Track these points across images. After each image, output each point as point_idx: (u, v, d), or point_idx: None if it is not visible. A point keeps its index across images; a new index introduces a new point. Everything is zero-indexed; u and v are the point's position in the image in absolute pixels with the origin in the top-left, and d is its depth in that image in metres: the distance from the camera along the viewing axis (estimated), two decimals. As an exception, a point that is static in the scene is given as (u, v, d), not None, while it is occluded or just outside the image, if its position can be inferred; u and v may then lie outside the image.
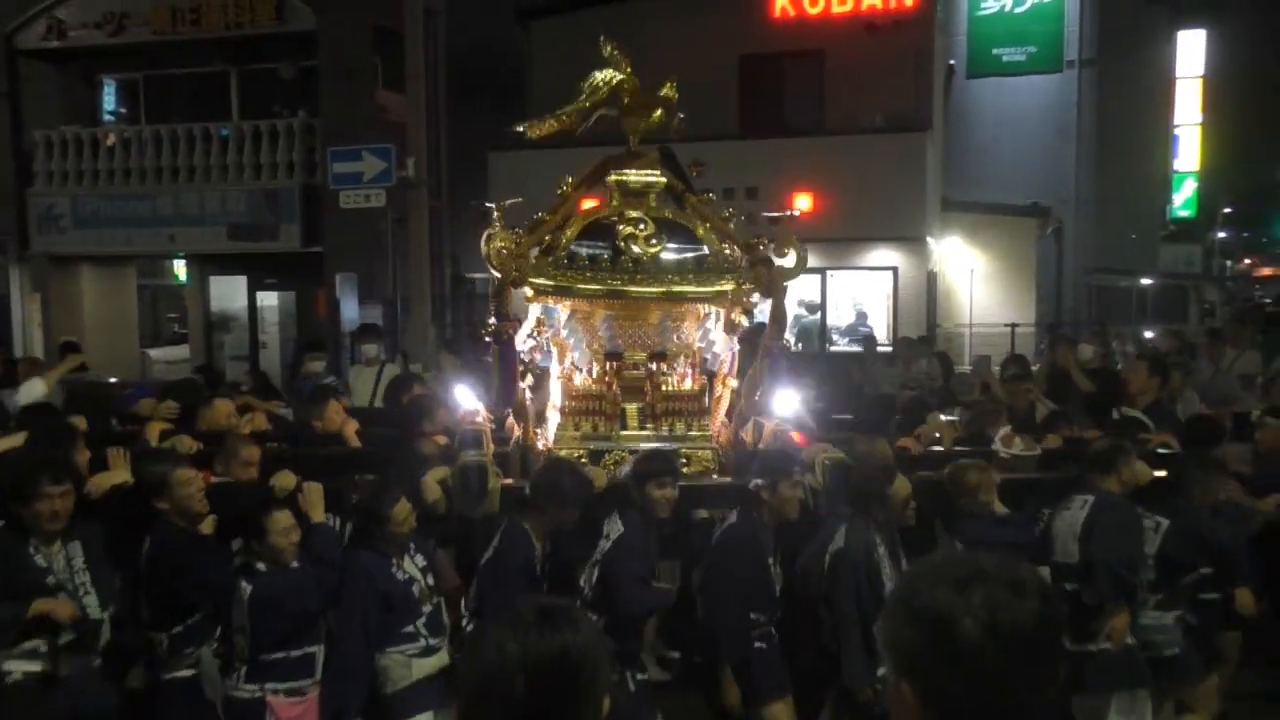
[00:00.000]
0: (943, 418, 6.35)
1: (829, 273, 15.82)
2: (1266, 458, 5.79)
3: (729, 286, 5.09)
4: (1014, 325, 16.13)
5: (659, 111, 5.35)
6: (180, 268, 17.80)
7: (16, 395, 7.76)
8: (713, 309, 5.31)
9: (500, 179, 14.55)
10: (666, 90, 5.37)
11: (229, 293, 17.43)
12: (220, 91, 16.62)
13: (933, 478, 5.02)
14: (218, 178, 15.36)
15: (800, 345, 15.78)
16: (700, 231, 5.22)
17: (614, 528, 4.51)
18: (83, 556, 4.14)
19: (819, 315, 15.89)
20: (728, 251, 5.23)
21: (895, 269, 15.53)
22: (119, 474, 4.67)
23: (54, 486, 4.01)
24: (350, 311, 14.17)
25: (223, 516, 4.47)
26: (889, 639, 1.43)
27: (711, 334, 5.44)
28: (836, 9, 15.86)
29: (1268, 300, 33.69)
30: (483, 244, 5.10)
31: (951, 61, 19.74)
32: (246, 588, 4.14)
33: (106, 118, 17.60)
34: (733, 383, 5.47)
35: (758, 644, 4.61)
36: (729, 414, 5.48)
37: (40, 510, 4.00)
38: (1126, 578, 4.60)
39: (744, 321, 5.30)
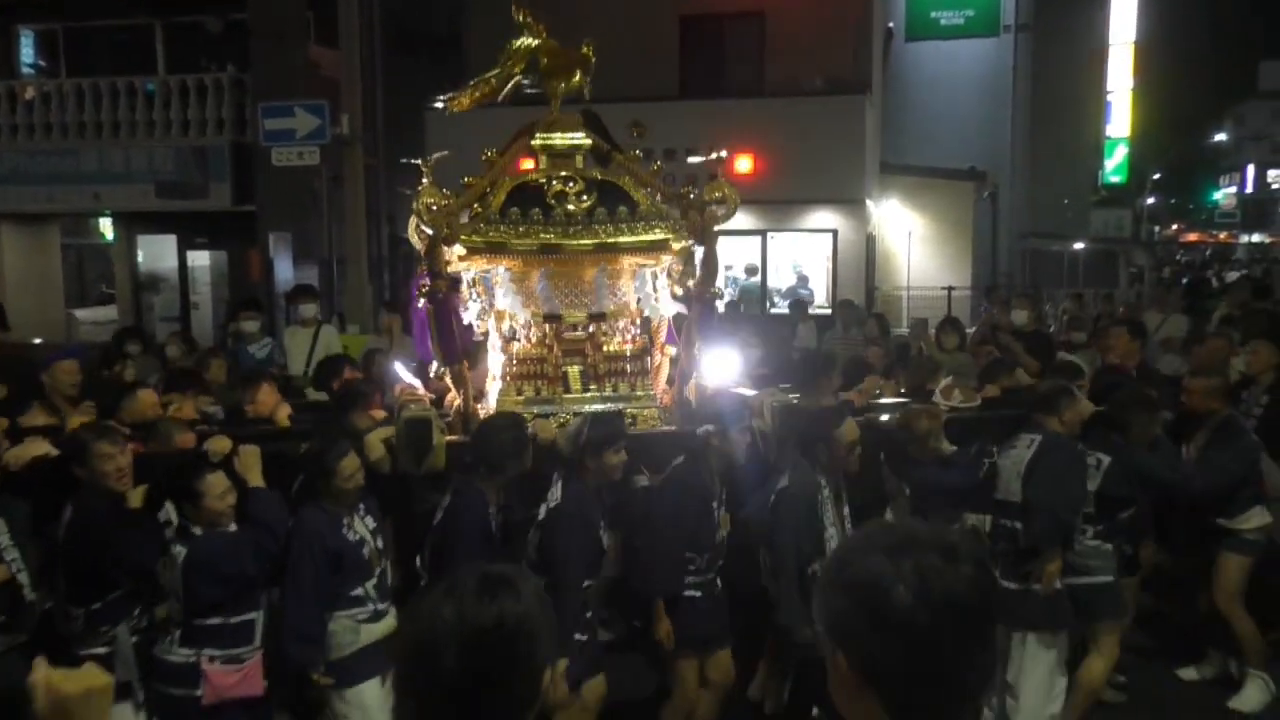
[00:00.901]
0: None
1: (769, 235, 15.89)
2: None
3: (663, 235, 5.07)
4: (950, 288, 16.38)
5: (578, 73, 5.32)
6: (107, 226, 17.27)
7: None
8: (648, 264, 5.29)
9: (437, 137, 14.30)
10: (584, 50, 5.34)
11: (158, 252, 16.95)
12: (145, 45, 16.06)
13: (880, 423, 5.10)
14: (144, 134, 14.89)
15: (742, 308, 15.85)
16: (631, 189, 5.20)
17: (554, 494, 4.49)
18: (8, 533, 3.99)
19: (759, 277, 15.95)
20: (659, 201, 5.22)
21: (835, 231, 15.64)
22: (39, 446, 4.44)
23: None
24: (284, 272, 13.91)
25: (154, 484, 4.30)
26: (823, 608, 1.40)
27: (649, 291, 5.41)
28: (777, -30, 15.80)
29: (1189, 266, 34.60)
30: (414, 202, 5.02)
31: (890, 24, 19.82)
32: (180, 551, 4.00)
33: (25, 70, 16.95)
34: (671, 350, 5.47)
35: (691, 591, 4.64)
36: (669, 380, 5.48)
37: None
38: (1067, 521, 4.74)
39: (688, 272, 5.29)
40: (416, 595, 4.36)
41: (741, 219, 15.61)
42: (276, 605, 4.37)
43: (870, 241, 16.41)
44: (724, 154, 5.42)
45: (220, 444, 4.44)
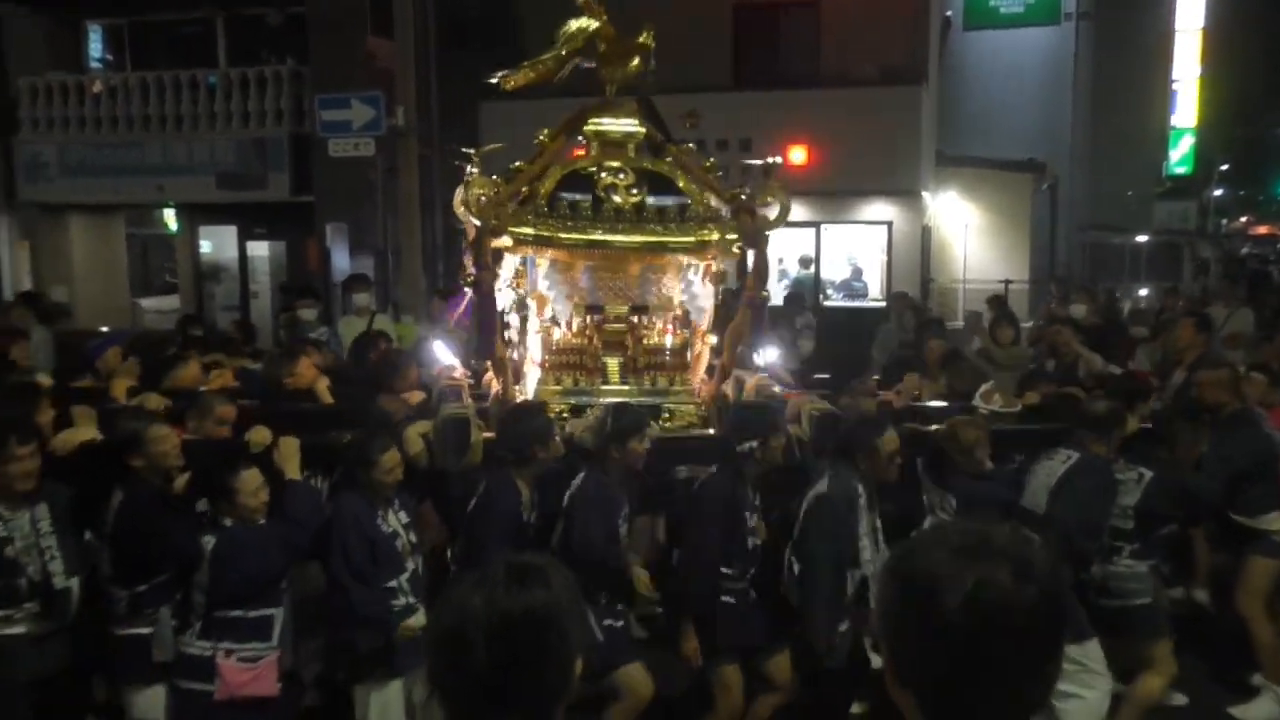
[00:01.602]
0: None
1: (823, 226, 15.75)
2: None
3: (712, 236, 5.03)
4: (1008, 281, 16.10)
5: (636, 59, 5.27)
6: (170, 217, 17.62)
7: None
8: (694, 261, 5.27)
9: (492, 127, 14.37)
10: (643, 38, 5.28)
11: (220, 242, 17.30)
12: (207, 38, 16.37)
13: (921, 431, 5.03)
14: (205, 126, 15.16)
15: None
16: (682, 182, 5.16)
17: (575, 483, 4.50)
18: (49, 520, 4.04)
19: (813, 269, 15.83)
20: (711, 201, 5.17)
21: (890, 223, 15.46)
22: (86, 431, 4.55)
23: (22, 447, 3.90)
24: (341, 261, 14.09)
25: (195, 473, 4.37)
26: (877, 594, 1.37)
27: (694, 286, 5.40)
28: (833, -41, 15.63)
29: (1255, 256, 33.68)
30: (461, 191, 5.03)
31: (948, 13, 19.52)
32: (209, 541, 4.04)
33: (93, 65, 17.35)
34: (711, 338, 5.44)
35: (725, 598, 4.58)
36: (709, 370, 5.45)
37: (10, 472, 3.88)
38: (1080, 546, 4.59)
39: (725, 271, 5.26)
40: (446, 586, 4.42)
41: (795, 210, 15.30)
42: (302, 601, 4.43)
43: (926, 234, 16.20)
44: (779, 160, 5.35)
45: (260, 435, 4.51)
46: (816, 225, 15.69)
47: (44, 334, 9.34)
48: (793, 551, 4.63)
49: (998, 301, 11.60)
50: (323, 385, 5.88)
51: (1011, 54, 20.45)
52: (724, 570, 4.57)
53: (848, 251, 16.26)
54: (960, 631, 1.26)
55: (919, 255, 15.76)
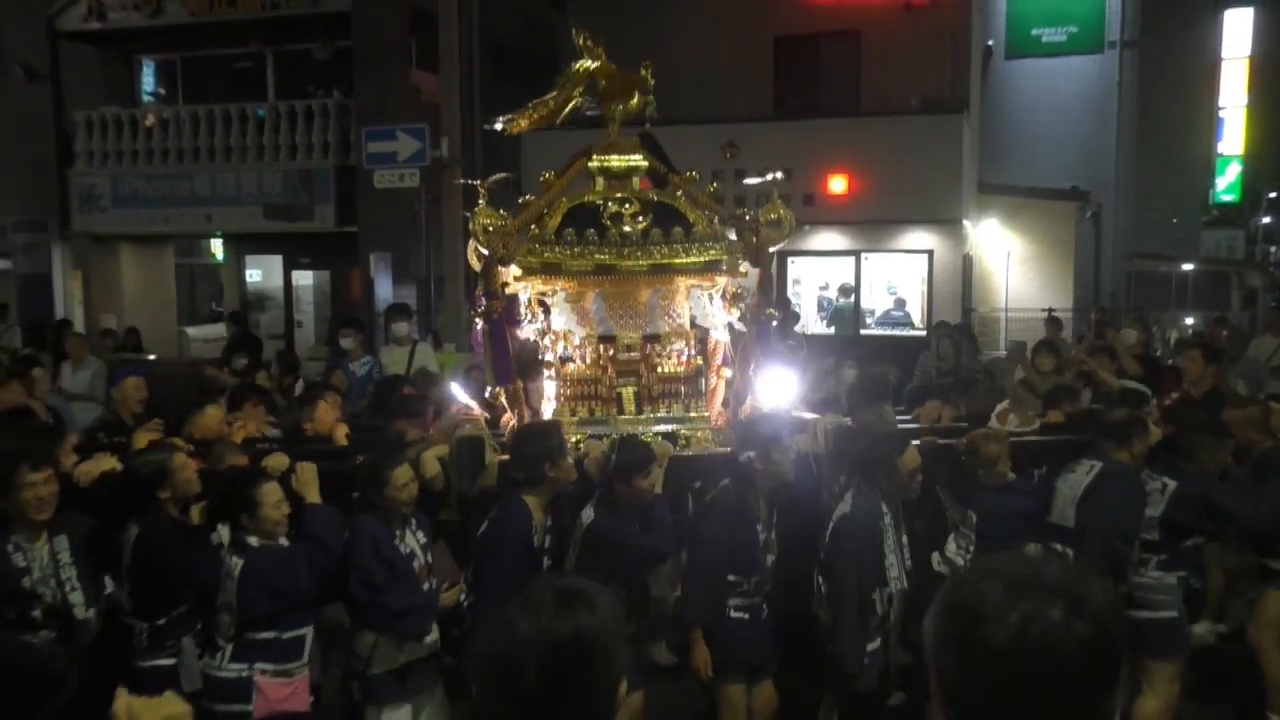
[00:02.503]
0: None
1: (864, 255, 15.70)
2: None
3: (718, 255, 5.05)
4: (1051, 310, 15.93)
5: (636, 96, 5.33)
6: (217, 247, 17.96)
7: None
8: (703, 284, 5.28)
9: (533, 159, 14.53)
10: (643, 74, 5.36)
11: (265, 272, 17.59)
12: (256, 72, 16.74)
13: (943, 446, 4.98)
14: (254, 158, 15.47)
15: (834, 329, 15.69)
16: (687, 211, 5.20)
17: (587, 514, 4.48)
18: (68, 551, 4.03)
19: (853, 298, 15.77)
20: (717, 225, 5.21)
21: (931, 252, 15.37)
22: (107, 461, 4.54)
23: (35, 473, 3.89)
24: (384, 291, 14.25)
25: (212, 501, 4.37)
26: (927, 620, 1.36)
27: (709, 312, 5.40)
28: (873, -11, 15.69)
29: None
30: (470, 222, 5.10)
31: (990, 42, 19.47)
32: (237, 563, 4.04)
33: (145, 98, 17.78)
34: (727, 372, 5.44)
35: (737, 613, 4.53)
36: (724, 403, 5.45)
37: (25, 499, 3.87)
38: (1120, 548, 4.55)
39: (742, 292, 5.25)
40: (471, 610, 4.39)
41: (836, 239, 15.58)
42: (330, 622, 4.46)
43: (967, 262, 16.10)
44: (780, 175, 5.37)
45: (278, 460, 4.53)
46: (857, 254, 15.66)
47: (98, 363, 9.55)
48: (820, 572, 4.61)
49: (1055, 324, 11.53)
50: (341, 432, 5.88)
51: (1054, 82, 20.33)
52: (730, 578, 4.53)
53: (888, 280, 16.20)
54: (1005, 664, 1.25)
55: (960, 284, 15.65)
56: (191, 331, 17.77)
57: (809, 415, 5.32)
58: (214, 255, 18.46)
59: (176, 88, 17.62)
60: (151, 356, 12.98)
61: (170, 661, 4.23)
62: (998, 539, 4.64)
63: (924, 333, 14.15)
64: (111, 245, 16.88)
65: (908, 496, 4.67)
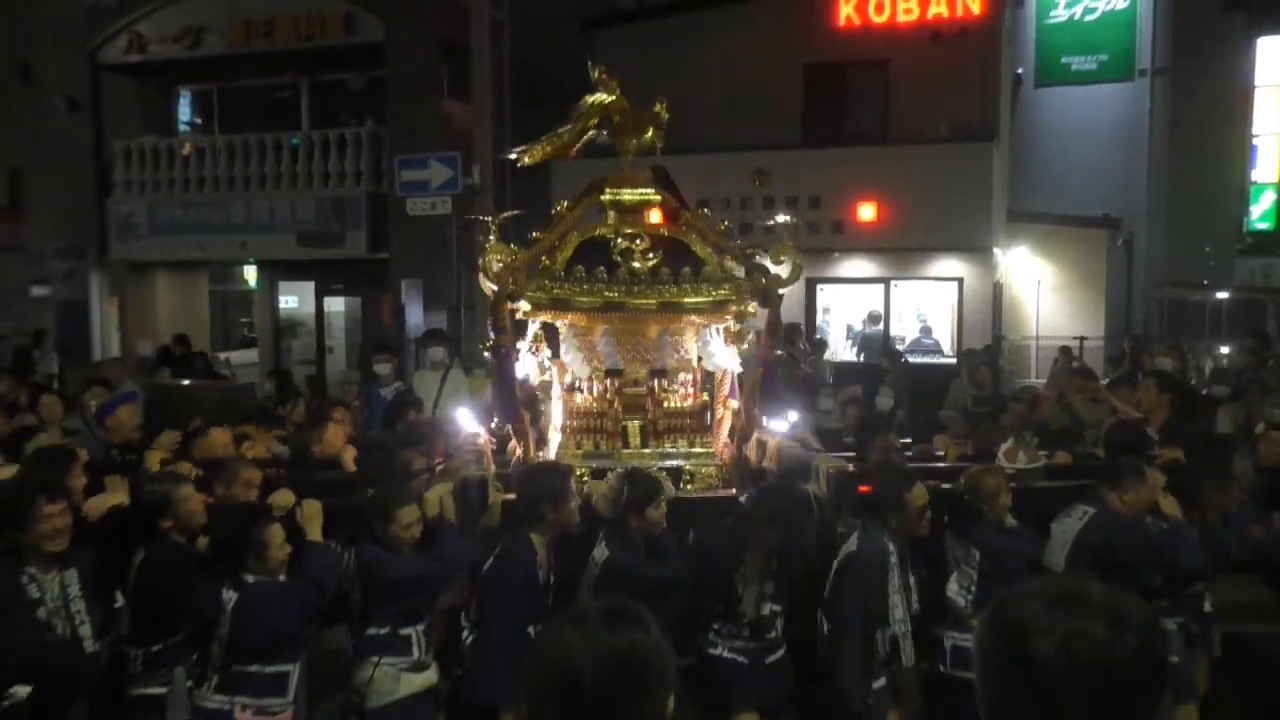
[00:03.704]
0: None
1: (893, 283, 15.67)
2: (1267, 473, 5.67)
3: (726, 295, 5.04)
4: (1082, 338, 15.82)
5: (650, 130, 5.35)
6: (251, 274, 18.17)
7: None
8: (711, 322, 5.27)
9: (564, 187, 14.62)
10: (657, 109, 5.38)
11: (298, 298, 17.78)
12: (291, 102, 16.99)
13: (945, 487, 4.94)
14: (288, 186, 15.68)
15: (862, 357, 15.64)
16: (697, 248, 5.21)
17: (600, 552, 4.47)
18: (78, 585, 4.07)
19: (882, 326, 15.73)
20: (726, 263, 5.21)
21: (960, 280, 15.32)
22: (116, 496, 4.62)
23: (51, 506, 3.95)
24: (415, 317, 14.36)
25: (216, 537, 4.40)
26: (974, 638, 1.39)
27: (714, 348, 5.40)
28: (902, 18, 15.71)
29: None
30: (479, 258, 5.14)
31: (1019, 70, 19.46)
32: (231, 596, 4.05)
33: (182, 128, 18.09)
34: (733, 403, 5.43)
35: (716, 650, 4.52)
36: (730, 434, 5.43)
37: (41, 531, 3.92)
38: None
39: (746, 331, 5.25)
40: (474, 646, 4.34)
41: (864, 266, 15.56)
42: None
43: (997, 290, 16.02)
44: (793, 219, 5.37)
45: (284, 498, 4.58)
46: (886, 281, 15.63)
47: (135, 388, 9.66)
48: (824, 610, 4.58)
49: (1067, 353, 11.43)
50: (349, 455, 5.92)
51: (1085, 110, 20.28)
52: (714, 626, 4.53)
53: (917, 308, 16.14)
54: (1053, 679, 1.27)
55: (990, 312, 15.58)
56: (224, 357, 17.96)
57: (814, 449, 5.30)
58: (247, 282, 18.67)
59: (213, 118, 17.93)
60: (185, 382, 13.13)
61: (161, 690, 4.21)
62: (999, 579, 4.54)
63: (954, 360, 14.08)
64: (148, 272, 17.13)
65: (916, 534, 4.62)
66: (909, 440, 6.66)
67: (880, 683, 4.47)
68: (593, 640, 1.58)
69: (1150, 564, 4.59)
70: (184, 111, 18.34)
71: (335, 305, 17.52)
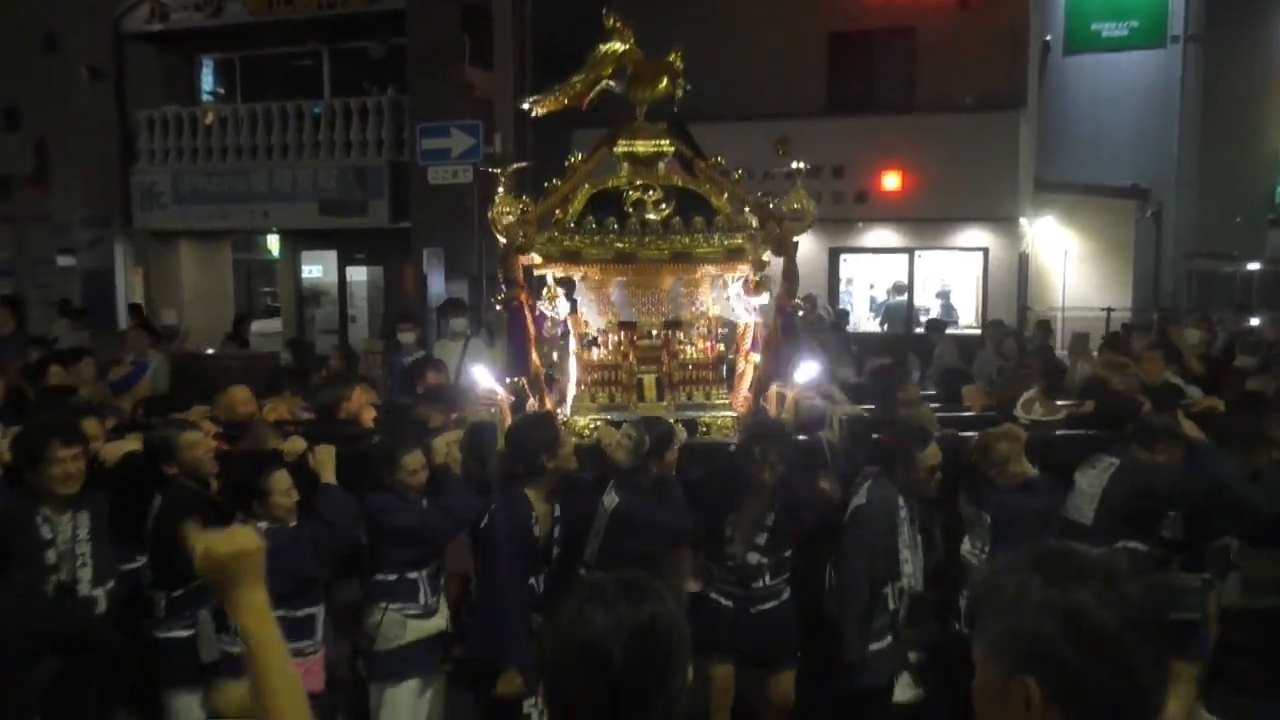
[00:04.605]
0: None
1: (917, 253, 15.55)
2: None
3: (738, 244, 5.00)
4: (1109, 309, 15.65)
5: (665, 81, 5.25)
6: (273, 243, 18.23)
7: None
8: (725, 272, 5.23)
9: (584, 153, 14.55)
10: (672, 58, 5.28)
11: (320, 267, 17.83)
12: (313, 70, 16.96)
13: (957, 439, 4.87)
14: (309, 155, 15.68)
15: (886, 327, 15.54)
16: (713, 199, 5.15)
17: (610, 500, 4.49)
18: (88, 528, 4.16)
19: (906, 296, 15.61)
20: (744, 213, 5.16)
21: (986, 250, 15.17)
22: (131, 442, 4.69)
23: (65, 449, 4.05)
24: (437, 286, 14.36)
25: (226, 483, 4.47)
26: (1006, 633, 1.38)
27: (734, 299, 5.36)
28: (929, -17, 15.49)
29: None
30: (490, 211, 5.11)
31: (1048, 37, 19.14)
32: None
33: (205, 97, 18.10)
34: (755, 357, 5.39)
35: (717, 597, 4.61)
36: (751, 386, 5.40)
37: (53, 474, 4.02)
38: (1134, 551, 4.41)
39: (767, 280, 5.20)
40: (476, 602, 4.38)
41: (889, 236, 15.42)
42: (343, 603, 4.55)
43: (1023, 261, 15.86)
44: (804, 165, 5.25)
45: (295, 444, 4.62)
46: (910, 251, 15.50)
47: (160, 357, 9.72)
48: (832, 564, 4.57)
49: (1044, 328, 11.35)
50: (368, 415, 5.97)
51: (1115, 78, 19.93)
52: (709, 566, 4.61)
53: (942, 278, 16.01)
54: (1124, 646, 1.33)
55: (1016, 283, 15.43)
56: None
57: (837, 397, 5.26)
58: (270, 251, 18.74)
59: (235, 86, 17.91)
60: (209, 350, 13.22)
61: (187, 633, 4.31)
62: (1014, 539, 4.52)
63: (978, 331, 13.97)
64: (171, 241, 17.22)
65: (924, 494, 4.58)
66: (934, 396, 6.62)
67: (885, 642, 4.45)
68: (616, 615, 1.59)
69: (1184, 503, 4.51)
70: (206, 80, 18.34)
71: (357, 274, 17.56)
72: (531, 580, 4.43)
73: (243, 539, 1.73)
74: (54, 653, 3.90)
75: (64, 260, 17.78)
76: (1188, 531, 4.61)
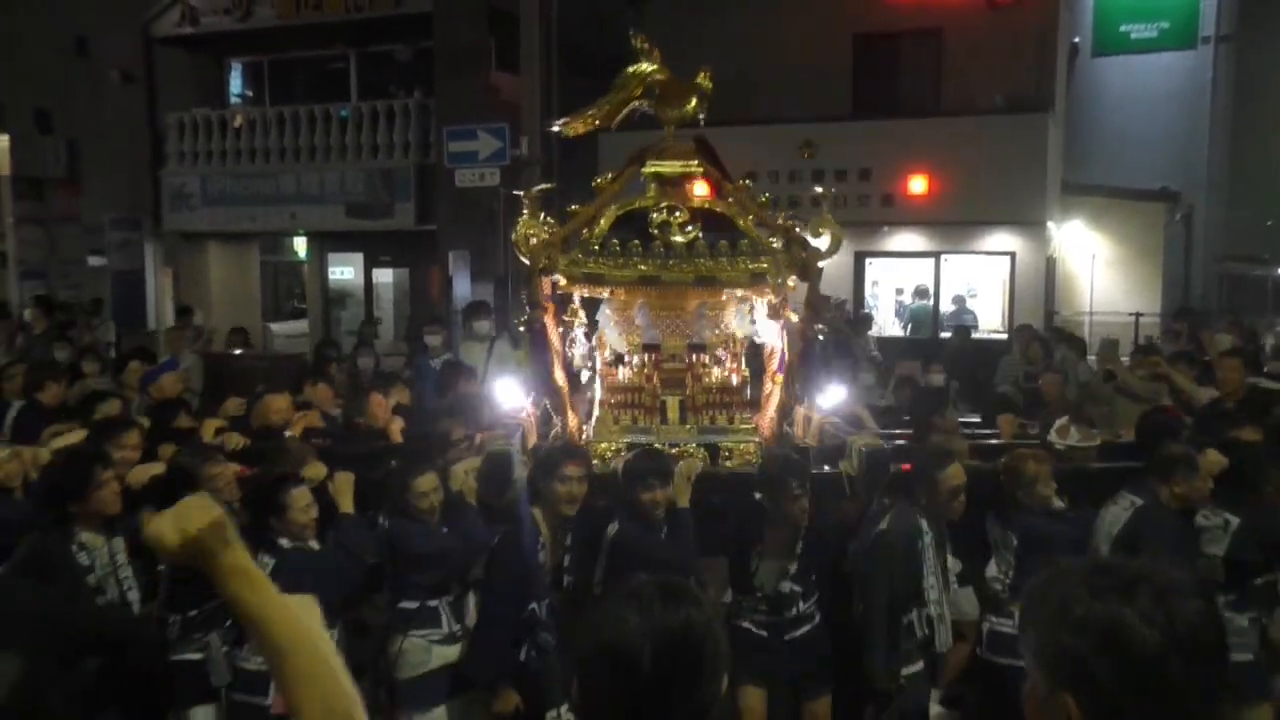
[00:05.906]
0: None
1: (943, 256, 15.45)
2: None
3: (763, 267, 4.96)
4: (1138, 314, 15.51)
5: (693, 100, 5.24)
6: (300, 245, 18.36)
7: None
8: (749, 296, 5.20)
9: (611, 159, 14.56)
10: (700, 79, 5.27)
11: (346, 269, 17.94)
12: (340, 73, 17.07)
13: (985, 467, 4.83)
14: (337, 157, 15.78)
15: (910, 331, 15.46)
16: (740, 222, 5.12)
17: (611, 529, 4.49)
18: (125, 551, 4.23)
19: (930, 301, 15.53)
20: (769, 238, 5.12)
21: (1013, 254, 15.06)
22: (159, 465, 4.74)
23: (106, 472, 4.19)
24: (462, 289, 14.40)
25: (246, 499, 4.48)
26: (1048, 649, 1.33)
27: (759, 323, 5.33)
28: (956, -15, 15.41)
29: None
30: (512, 232, 5.11)
31: (1076, 39, 19.00)
32: (268, 562, 4.09)
33: (233, 100, 18.25)
34: (781, 379, 5.36)
35: (748, 626, 4.55)
36: (777, 409, 5.37)
37: (102, 497, 4.15)
38: None
39: (788, 303, 5.18)
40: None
41: (914, 240, 15.35)
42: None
43: (1050, 264, 15.74)
44: (832, 190, 5.23)
45: (315, 471, 4.65)
46: (936, 255, 15.41)
47: (194, 358, 9.82)
48: (856, 590, 4.54)
49: (1026, 331, 11.24)
50: (396, 427, 5.94)
51: (1144, 79, 19.75)
52: (738, 598, 4.56)
53: (968, 282, 15.91)
54: (1165, 664, 1.27)
55: (1043, 287, 15.31)
56: (275, 327, 18.20)
57: (868, 429, 5.22)
58: (297, 253, 18.87)
59: (264, 89, 18.05)
60: (237, 351, 13.32)
61: (197, 656, 4.30)
62: (1037, 565, 4.44)
63: (1004, 336, 13.88)
64: (200, 243, 17.37)
65: (947, 517, 4.51)
66: (976, 420, 6.55)
67: (917, 666, 4.42)
68: (649, 619, 1.57)
69: (1194, 557, 4.44)
70: (235, 83, 18.50)
71: (384, 277, 17.65)
72: (533, 605, 4.38)
73: (201, 511, 1.53)
74: (92, 652, 3.93)
75: (95, 261, 17.99)
76: (1229, 570, 4.49)
